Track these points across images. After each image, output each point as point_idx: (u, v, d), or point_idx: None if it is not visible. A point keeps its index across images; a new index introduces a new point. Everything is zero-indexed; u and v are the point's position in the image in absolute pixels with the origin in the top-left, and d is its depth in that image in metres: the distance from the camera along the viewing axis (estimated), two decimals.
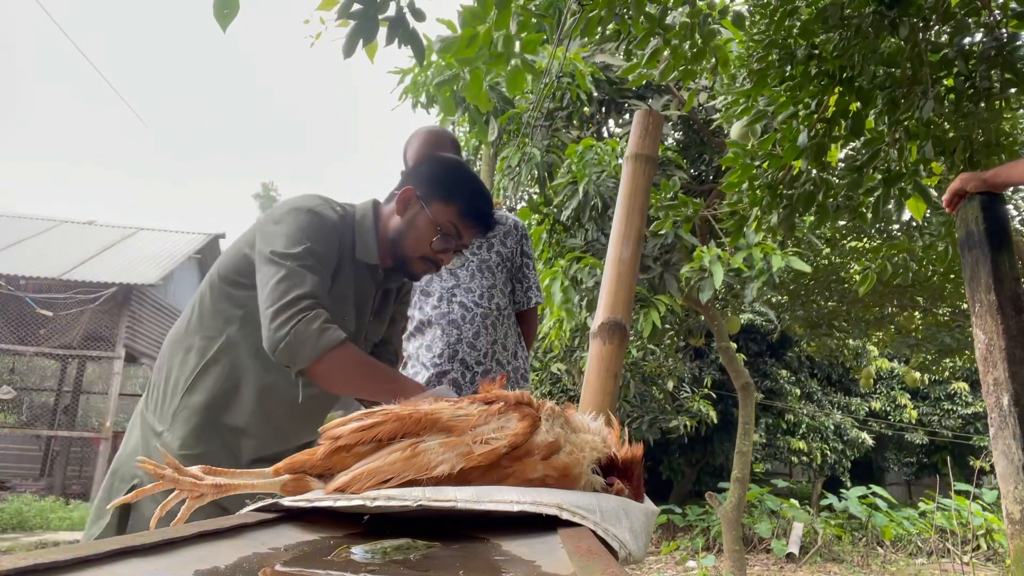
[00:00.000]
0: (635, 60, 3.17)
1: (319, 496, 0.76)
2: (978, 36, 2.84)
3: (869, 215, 3.20)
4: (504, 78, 3.16)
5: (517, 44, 2.69)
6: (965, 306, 6.90)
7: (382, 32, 2.19)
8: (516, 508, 0.69)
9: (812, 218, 3.43)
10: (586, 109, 6.69)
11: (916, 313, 7.61)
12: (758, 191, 3.26)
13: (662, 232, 4.87)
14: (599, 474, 0.94)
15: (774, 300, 8.31)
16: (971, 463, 13.17)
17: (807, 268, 4.66)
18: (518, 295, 2.62)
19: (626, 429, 1.05)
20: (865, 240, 6.91)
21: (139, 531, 1.34)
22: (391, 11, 2.18)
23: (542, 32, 2.72)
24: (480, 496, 0.72)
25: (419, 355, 2.48)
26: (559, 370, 11.35)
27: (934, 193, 3.22)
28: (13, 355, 12.47)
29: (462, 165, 1.77)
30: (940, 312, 7.43)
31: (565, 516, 0.69)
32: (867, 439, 12.98)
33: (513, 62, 2.72)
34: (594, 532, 0.68)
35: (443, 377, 2.41)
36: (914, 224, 5.94)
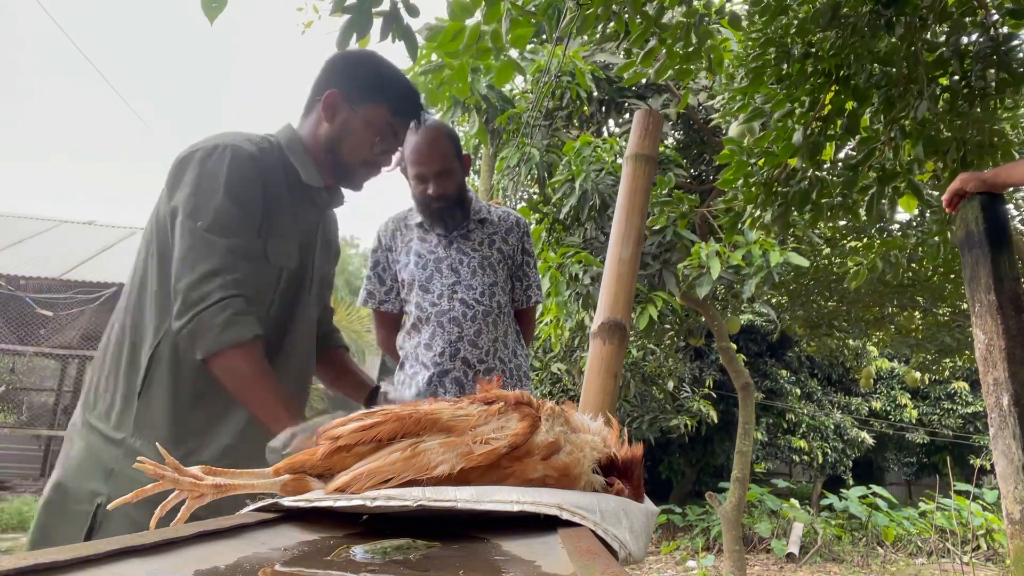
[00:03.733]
0: (632, 59, 3.18)
1: (319, 496, 0.76)
2: (974, 36, 2.84)
3: (863, 213, 3.20)
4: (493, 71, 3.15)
5: (507, 39, 2.68)
6: (965, 306, 6.91)
7: (377, 26, 2.18)
8: (516, 508, 0.70)
9: (808, 216, 3.43)
10: (586, 109, 6.69)
11: (916, 313, 7.62)
12: (753, 188, 3.27)
13: (658, 228, 4.87)
14: (599, 474, 0.94)
15: (774, 300, 8.31)
16: (971, 463, 13.18)
17: (805, 263, 4.67)
18: (517, 293, 2.57)
19: (626, 429, 1.05)
20: (865, 240, 6.91)
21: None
22: (385, 6, 2.18)
23: (531, 27, 2.71)
24: (480, 496, 0.72)
25: (418, 354, 2.42)
26: (559, 370, 11.35)
27: (934, 194, 3.22)
28: (13, 355, 12.46)
29: (380, 59, 1.63)
30: (940, 312, 7.44)
31: (565, 516, 0.69)
32: (867, 439, 12.99)
33: (502, 56, 2.72)
34: (594, 532, 0.68)
35: (445, 376, 2.35)
36: (914, 224, 5.95)
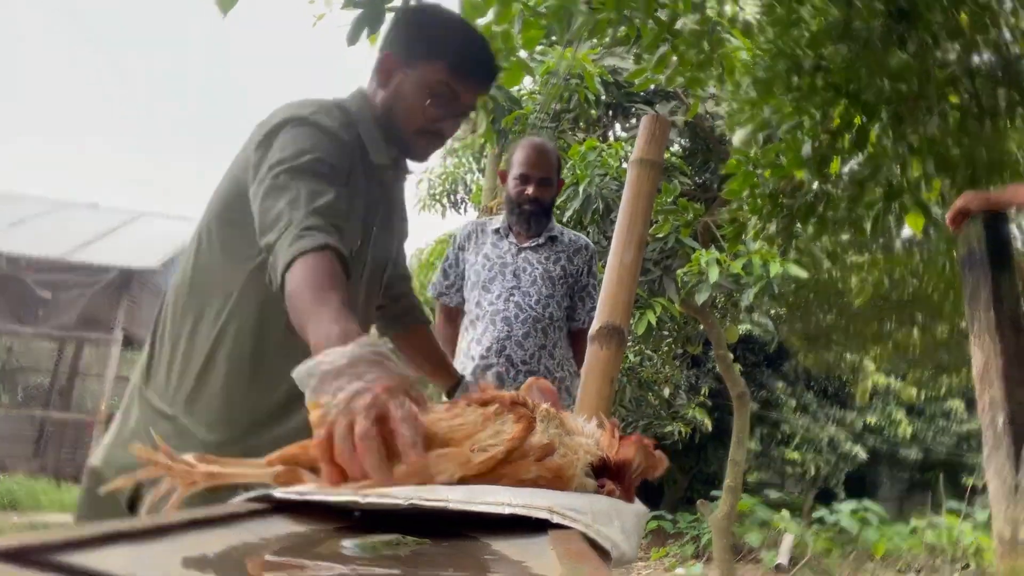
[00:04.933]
0: (643, 64, 3.18)
1: (311, 490, 0.76)
2: (986, 55, 2.84)
3: (869, 229, 3.20)
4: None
5: (518, 40, 2.70)
6: (963, 324, 6.91)
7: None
8: (507, 511, 0.70)
9: (812, 229, 3.44)
10: (593, 112, 6.69)
11: (914, 329, 7.62)
12: (759, 199, 3.27)
13: (661, 236, 4.87)
14: (591, 476, 0.94)
15: (773, 312, 8.32)
16: (964, 481, 13.17)
17: (804, 274, 4.68)
18: (578, 312, 2.65)
19: (616, 433, 1.05)
20: (867, 255, 6.92)
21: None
22: (397, 1, 2.18)
23: (542, 29, 2.72)
24: (472, 496, 0.72)
25: (469, 349, 2.53)
26: None
27: (937, 211, 3.22)
28: (11, 335, 12.48)
29: (443, 10, 1.48)
30: (938, 330, 7.44)
31: (556, 520, 0.69)
32: (861, 453, 12.99)
33: (511, 58, 2.74)
34: (585, 534, 0.69)
35: (488, 371, 2.44)
36: (915, 240, 5.95)
